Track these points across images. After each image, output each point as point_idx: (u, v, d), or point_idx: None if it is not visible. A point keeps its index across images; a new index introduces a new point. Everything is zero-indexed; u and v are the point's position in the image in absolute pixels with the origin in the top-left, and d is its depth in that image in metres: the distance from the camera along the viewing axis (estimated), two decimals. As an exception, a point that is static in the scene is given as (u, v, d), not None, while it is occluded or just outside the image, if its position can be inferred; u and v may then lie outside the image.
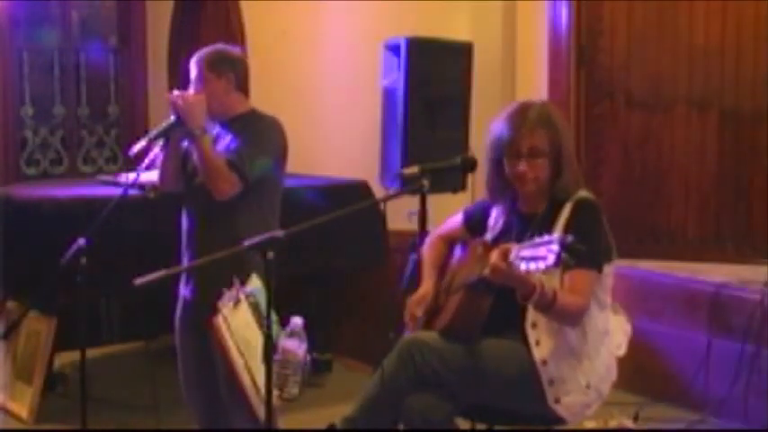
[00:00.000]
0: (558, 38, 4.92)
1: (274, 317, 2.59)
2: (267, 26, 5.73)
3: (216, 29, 6.12)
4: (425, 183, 2.86)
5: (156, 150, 3.25)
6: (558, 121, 2.85)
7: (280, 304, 2.58)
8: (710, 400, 4.16)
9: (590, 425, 3.70)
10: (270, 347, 2.53)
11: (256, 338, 2.70)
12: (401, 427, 2.80)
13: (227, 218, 3.22)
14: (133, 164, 3.39)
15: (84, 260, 2.91)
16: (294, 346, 2.84)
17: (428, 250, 3.10)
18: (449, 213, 3.22)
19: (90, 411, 3.08)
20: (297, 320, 2.89)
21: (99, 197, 4.02)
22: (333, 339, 4.93)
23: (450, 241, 3.13)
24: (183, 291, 3.42)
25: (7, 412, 4.30)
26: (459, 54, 4.52)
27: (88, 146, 6.69)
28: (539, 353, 2.75)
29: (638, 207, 4.95)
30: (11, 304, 4.37)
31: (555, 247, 2.33)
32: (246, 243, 2.54)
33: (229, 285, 2.82)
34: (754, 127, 4.72)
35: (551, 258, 2.33)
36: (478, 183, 3.25)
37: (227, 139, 3.29)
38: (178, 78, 6.01)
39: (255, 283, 2.84)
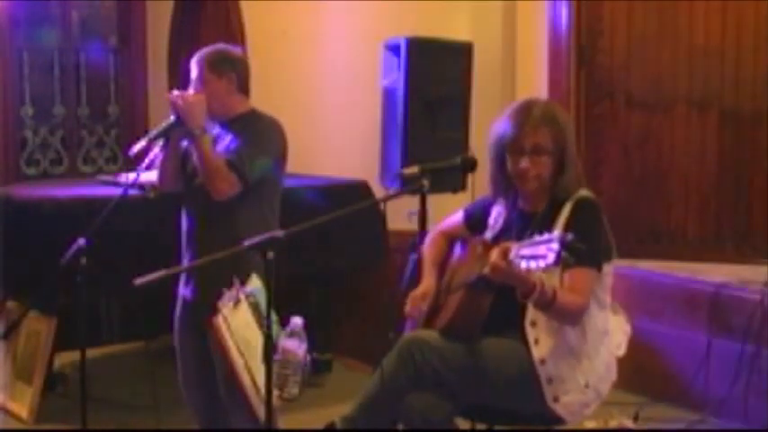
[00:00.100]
0: (558, 38, 4.92)
1: (274, 317, 2.59)
2: (267, 26, 5.73)
3: (216, 29, 6.12)
4: (425, 183, 2.86)
5: (156, 150, 3.25)
6: (562, 119, 2.85)
7: (280, 304, 2.58)
8: (710, 400, 4.16)
9: (590, 425, 3.70)
10: (270, 347, 2.53)
11: (256, 338, 2.70)
12: (401, 426, 2.80)
13: (226, 218, 3.22)
14: (133, 164, 3.38)
15: (84, 260, 2.91)
16: (294, 346, 2.84)
17: (429, 247, 3.10)
18: (449, 213, 3.22)
19: (90, 411, 3.08)
20: (297, 320, 2.89)
21: (99, 197, 4.02)
22: (333, 339, 4.93)
23: (450, 238, 3.13)
24: (183, 291, 3.42)
25: (7, 412, 4.30)
26: (459, 54, 4.52)
27: (88, 146, 6.68)
28: (537, 352, 2.75)
29: (638, 207, 4.95)
30: (11, 304, 4.37)
31: (555, 246, 2.33)
32: (246, 243, 2.54)
33: (229, 285, 2.82)
34: (754, 127, 4.73)
35: (551, 257, 2.33)
36: (478, 183, 3.25)
37: (227, 140, 3.29)
38: (178, 78, 6.01)
39: (255, 283, 2.84)
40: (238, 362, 2.75)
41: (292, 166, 3.54)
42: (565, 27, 4.89)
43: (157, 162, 3.33)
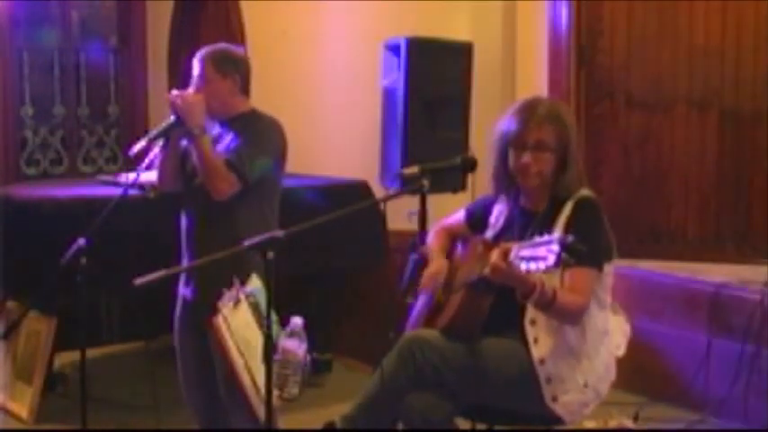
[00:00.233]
0: (558, 38, 4.92)
1: (274, 317, 2.59)
2: (267, 26, 5.73)
3: (216, 29, 6.12)
4: (425, 183, 2.86)
5: (156, 150, 3.25)
6: (566, 118, 2.86)
7: (280, 304, 2.58)
8: (710, 400, 4.16)
9: (590, 425, 3.70)
10: (270, 347, 2.53)
11: (256, 338, 2.70)
12: (401, 426, 2.80)
13: (226, 217, 3.22)
14: (133, 164, 3.38)
15: (84, 260, 2.91)
16: (294, 346, 2.84)
17: (434, 239, 3.11)
18: (449, 213, 3.23)
19: (90, 411, 3.08)
20: (297, 320, 2.89)
21: (99, 197, 4.02)
22: (333, 339, 4.93)
23: (452, 236, 3.13)
24: (183, 291, 3.42)
25: (7, 412, 4.30)
26: (459, 54, 4.52)
27: (88, 146, 6.68)
28: (537, 351, 2.75)
29: (638, 207, 4.95)
30: (11, 304, 4.37)
31: (555, 248, 2.33)
32: (246, 243, 2.54)
33: (229, 285, 2.82)
34: (754, 127, 4.73)
35: (551, 259, 2.33)
36: (478, 183, 3.25)
37: (227, 139, 3.29)
38: (178, 78, 6.01)
39: (255, 283, 2.84)
40: (238, 362, 2.75)
41: (292, 166, 3.54)
42: (565, 27, 4.89)
43: (157, 162, 3.33)
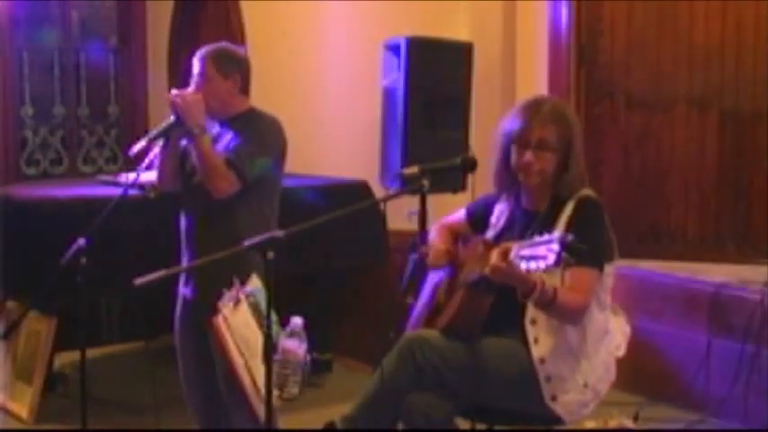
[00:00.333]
0: (558, 38, 4.92)
1: (274, 317, 2.59)
2: (267, 26, 5.73)
3: (216, 29, 6.12)
4: (425, 183, 2.86)
5: (156, 150, 3.25)
6: (571, 118, 2.86)
7: (280, 304, 2.58)
8: (710, 400, 4.16)
9: (590, 425, 3.69)
10: (270, 347, 2.53)
11: (256, 338, 2.70)
12: (401, 426, 2.80)
13: (226, 216, 3.22)
14: (133, 164, 3.38)
15: (84, 260, 2.91)
16: (294, 346, 2.84)
17: (437, 235, 3.11)
18: (449, 213, 3.22)
19: (90, 411, 3.08)
20: (297, 320, 2.90)
21: (99, 197, 4.02)
22: (333, 339, 4.94)
23: (453, 234, 3.14)
24: (183, 290, 3.41)
25: (7, 412, 4.30)
26: (459, 54, 4.52)
27: (88, 146, 6.69)
28: (537, 351, 2.75)
29: (638, 207, 4.95)
30: (11, 304, 4.37)
31: (555, 247, 2.33)
32: (246, 243, 2.54)
33: (229, 285, 2.82)
34: (754, 127, 4.73)
35: (551, 258, 2.33)
36: (478, 183, 3.25)
37: (226, 138, 3.29)
38: (178, 78, 6.01)
39: (255, 283, 2.84)
40: (238, 362, 2.75)
41: (292, 165, 3.54)
42: (565, 27, 4.89)
43: (157, 162, 3.33)
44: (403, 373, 2.75)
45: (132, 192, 3.40)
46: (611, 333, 2.90)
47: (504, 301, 2.69)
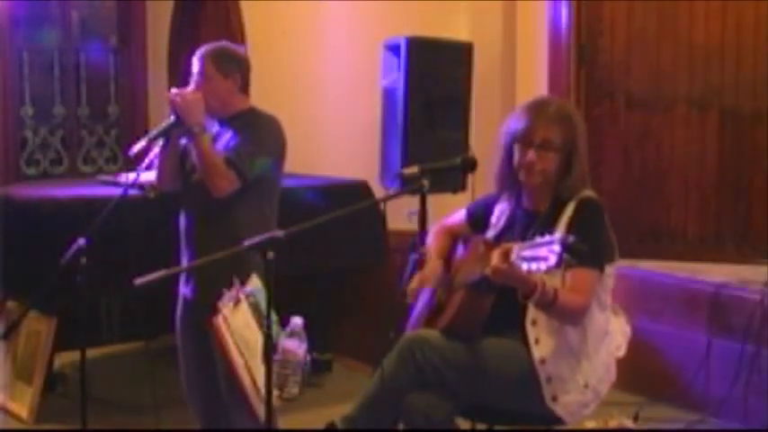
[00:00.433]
0: (558, 38, 4.92)
1: (274, 317, 2.59)
2: (267, 26, 5.73)
3: (216, 29, 6.12)
4: (425, 183, 2.86)
5: (157, 150, 3.25)
6: (576, 120, 2.86)
7: (280, 304, 2.58)
8: (710, 400, 4.16)
9: (590, 425, 3.70)
10: (270, 347, 2.53)
11: (256, 338, 2.70)
12: (401, 426, 2.80)
13: (225, 216, 3.22)
14: (133, 164, 3.38)
15: (84, 260, 2.91)
16: (294, 346, 2.84)
17: (433, 241, 3.11)
18: (449, 213, 3.22)
19: (90, 411, 3.08)
20: (297, 320, 2.89)
21: (99, 197, 4.02)
22: (333, 339, 4.93)
23: (453, 236, 3.13)
24: (183, 290, 3.42)
25: (7, 412, 4.30)
26: (459, 54, 4.51)
27: (88, 146, 6.69)
28: (538, 351, 2.75)
29: (638, 207, 4.95)
30: (11, 304, 4.37)
31: (556, 248, 2.33)
32: (246, 243, 2.54)
33: (229, 285, 2.82)
34: (754, 127, 4.73)
35: (553, 259, 2.33)
36: (478, 183, 3.25)
37: (226, 137, 3.29)
38: (178, 78, 6.01)
39: (255, 283, 2.84)
40: (238, 362, 2.75)
41: (292, 165, 3.54)
42: (565, 27, 4.89)
43: (157, 162, 3.33)
44: (403, 373, 2.75)
45: (132, 192, 3.40)
46: (612, 334, 2.90)
47: (505, 302, 2.69)
